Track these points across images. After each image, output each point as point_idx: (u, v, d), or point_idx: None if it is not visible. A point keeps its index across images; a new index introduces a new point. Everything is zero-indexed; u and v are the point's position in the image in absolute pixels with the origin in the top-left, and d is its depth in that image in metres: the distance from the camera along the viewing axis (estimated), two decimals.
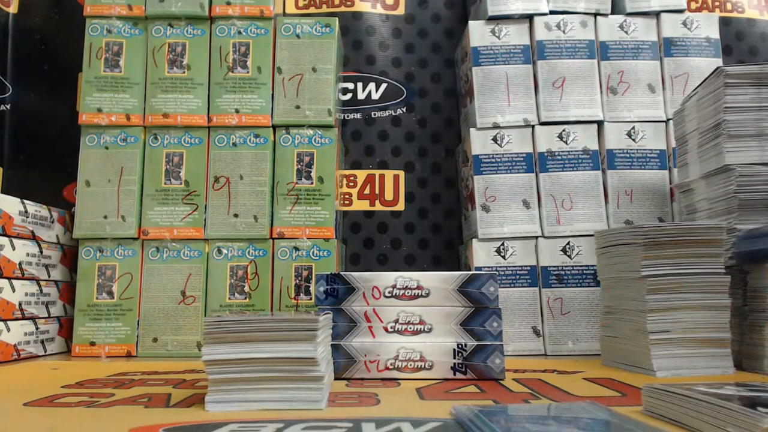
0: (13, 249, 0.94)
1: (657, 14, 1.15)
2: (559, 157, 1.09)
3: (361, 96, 1.31)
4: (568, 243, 1.06)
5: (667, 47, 1.14)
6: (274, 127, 1.09)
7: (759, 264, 0.79)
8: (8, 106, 1.29)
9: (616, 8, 1.17)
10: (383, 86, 1.31)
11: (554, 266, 1.05)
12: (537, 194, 1.09)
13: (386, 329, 0.75)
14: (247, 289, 1.03)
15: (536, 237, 1.07)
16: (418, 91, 1.32)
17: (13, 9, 1.32)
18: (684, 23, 1.15)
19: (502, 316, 0.75)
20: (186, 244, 1.04)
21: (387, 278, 0.77)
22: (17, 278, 0.96)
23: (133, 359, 0.99)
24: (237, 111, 1.08)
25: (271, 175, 1.07)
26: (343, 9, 1.32)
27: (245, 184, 1.06)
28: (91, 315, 1.02)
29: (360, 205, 1.27)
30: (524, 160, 1.10)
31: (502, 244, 1.07)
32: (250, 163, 1.07)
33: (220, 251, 1.04)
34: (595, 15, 1.15)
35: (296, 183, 1.06)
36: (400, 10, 1.35)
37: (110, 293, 1.03)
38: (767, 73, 0.85)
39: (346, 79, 1.31)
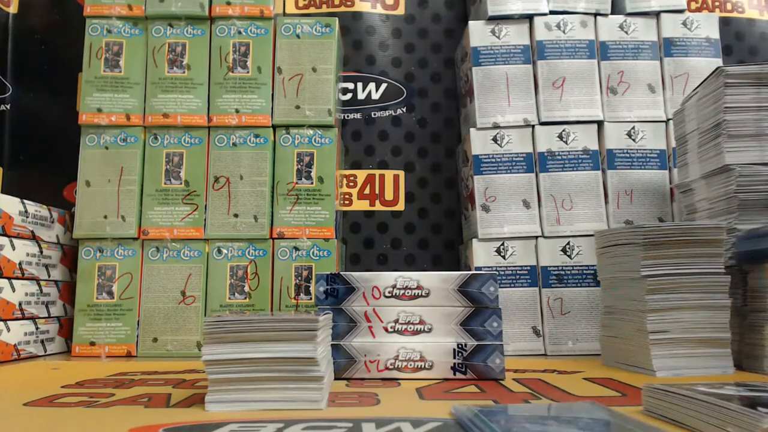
0: (13, 249, 0.94)
1: (657, 14, 1.15)
2: (559, 157, 1.09)
3: (361, 96, 1.31)
4: (568, 243, 1.06)
5: (667, 47, 1.14)
6: (274, 127, 1.09)
7: (759, 264, 0.79)
8: (8, 106, 1.29)
9: (616, 8, 1.17)
10: (383, 86, 1.31)
11: (554, 266, 1.05)
12: (537, 194, 1.09)
13: (386, 329, 0.75)
14: (247, 289, 1.03)
15: (536, 237, 1.07)
16: (418, 91, 1.32)
17: (13, 9, 1.32)
18: (684, 23, 1.15)
19: (502, 316, 0.75)
20: (186, 244, 1.04)
21: (387, 278, 0.77)
22: (17, 278, 0.95)
23: (133, 359, 0.99)
24: (237, 111, 1.08)
25: (271, 175, 1.07)
26: (343, 9, 1.32)
27: (245, 184, 1.06)
28: (91, 315, 1.02)
29: (360, 205, 1.27)
30: (524, 160, 1.10)
31: (502, 244, 1.07)
32: (250, 163, 1.07)
33: (220, 251, 1.04)
34: (595, 15, 1.15)
35: (296, 183, 1.06)
36: (400, 10, 1.35)
37: (110, 293, 1.03)
38: (767, 73, 0.85)
39: (346, 79, 1.31)
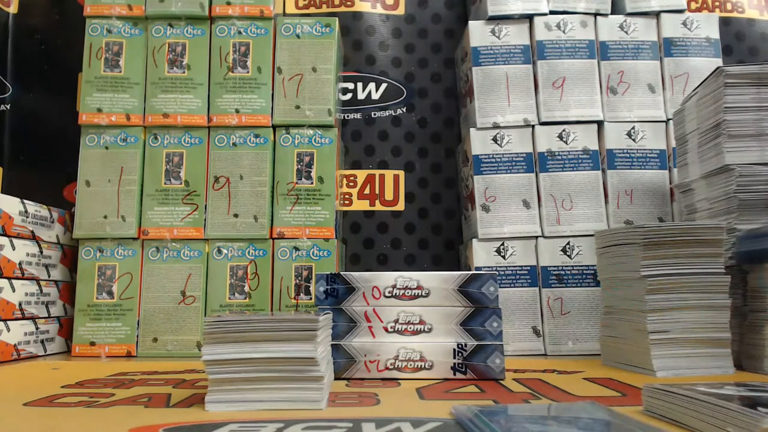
0: (13, 249, 0.94)
1: (657, 14, 1.15)
2: (559, 157, 1.09)
3: (361, 96, 1.31)
4: (568, 243, 1.06)
5: (667, 47, 1.14)
6: (274, 127, 1.09)
7: (759, 264, 0.79)
8: (8, 106, 1.29)
9: (616, 8, 1.17)
10: (383, 86, 1.31)
11: (554, 266, 1.05)
12: (537, 194, 1.09)
13: (386, 329, 0.75)
14: (247, 289, 1.03)
15: (536, 237, 1.07)
16: (418, 91, 1.32)
17: (13, 9, 1.31)
18: (684, 23, 1.15)
19: (502, 316, 0.75)
20: (186, 244, 1.04)
21: (387, 278, 0.77)
22: (17, 278, 0.96)
23: (133, 359, 0.99)
24: (237, 111, 1.08)
25: (271, 175, 1.07)
26: (343, 9, 1.32)
27: (245, 184, 1.06)
28: (91, 315, 1.02)
29: (360, 205, 1.27)
30: (524, 160, 1.10)
31: (502, 244, 1.07)
32: (250, 163, 1.07)
33: (220, 251, 1.04)
34: (595, 15, 1.15)
35: (296, 183, 1.06)
36: (400, 10, 1.35)
37: (110, 293, 1.03)
38: (767, 73, 0.85)
39: (346, 79, 1.31)
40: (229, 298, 1.03)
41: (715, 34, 1.15)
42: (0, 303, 0.91)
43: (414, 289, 0.76)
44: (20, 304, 0.96)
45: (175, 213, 1.05)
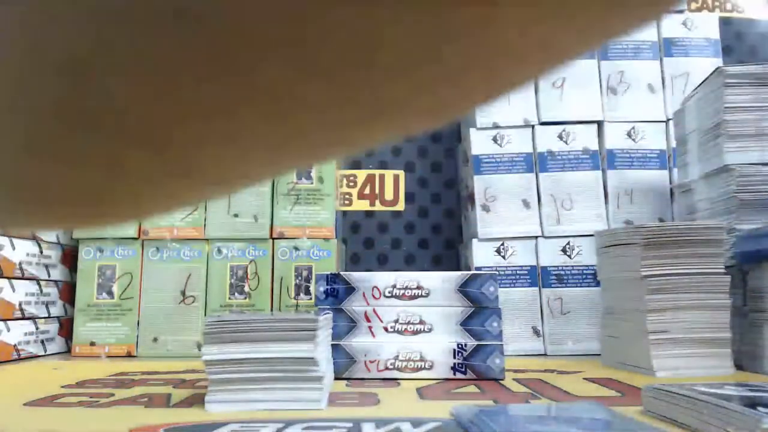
0: (13, 249, 0.94)
1: None
2: (559, 157, 1.09)
3: None
4: (568, 243, 1.06)
5: (667, 47, 1.14)
6: None
7: (759, 264, 0.79)
8: None
9: None
10: None
11: (554, 266, 1.05)
12: (537, 194, 1.09)
13: (386, 329, 0.75)
14: (247, 289, 1.03)
15: (536, 237, 1.07)
16: None
17: None
18: (684, 23, 1.15)
19: (502, 316, 0.75)
20: (186, 243, 1.04)
21: (387, 278, 0.77)
22: (17, 278, 0.95)
23: (133, 359, 0.99)
24: None
25: None
26: None
27: None
28: (91, 315, 1.02)
29: (360, 205, 1.27)
30: (524, 160, 1.10)
31: (502, 244, 1.07)
32: None
33: (220, 251, 1.04)
34: None
35: (296, 183, 1.06)
36: None
37: (110, 293, 1.03)
38: (767, 73, 0.85)
39: None
40: (229, 298, 1.03)
41: (714, 35, 1.15)
42: (0, 303, 0.91)
43: (414, 289, 0.76)
44: (20, 304, 0.96)
45: (175, 212, 1.05)
